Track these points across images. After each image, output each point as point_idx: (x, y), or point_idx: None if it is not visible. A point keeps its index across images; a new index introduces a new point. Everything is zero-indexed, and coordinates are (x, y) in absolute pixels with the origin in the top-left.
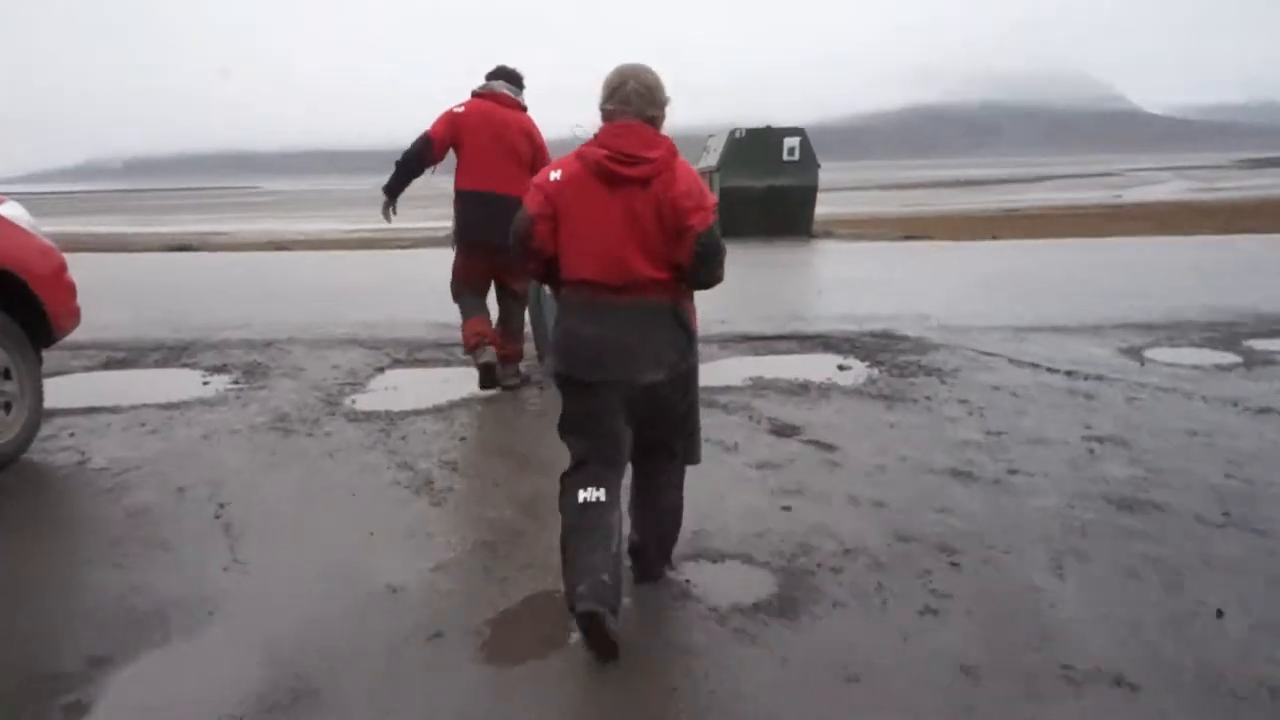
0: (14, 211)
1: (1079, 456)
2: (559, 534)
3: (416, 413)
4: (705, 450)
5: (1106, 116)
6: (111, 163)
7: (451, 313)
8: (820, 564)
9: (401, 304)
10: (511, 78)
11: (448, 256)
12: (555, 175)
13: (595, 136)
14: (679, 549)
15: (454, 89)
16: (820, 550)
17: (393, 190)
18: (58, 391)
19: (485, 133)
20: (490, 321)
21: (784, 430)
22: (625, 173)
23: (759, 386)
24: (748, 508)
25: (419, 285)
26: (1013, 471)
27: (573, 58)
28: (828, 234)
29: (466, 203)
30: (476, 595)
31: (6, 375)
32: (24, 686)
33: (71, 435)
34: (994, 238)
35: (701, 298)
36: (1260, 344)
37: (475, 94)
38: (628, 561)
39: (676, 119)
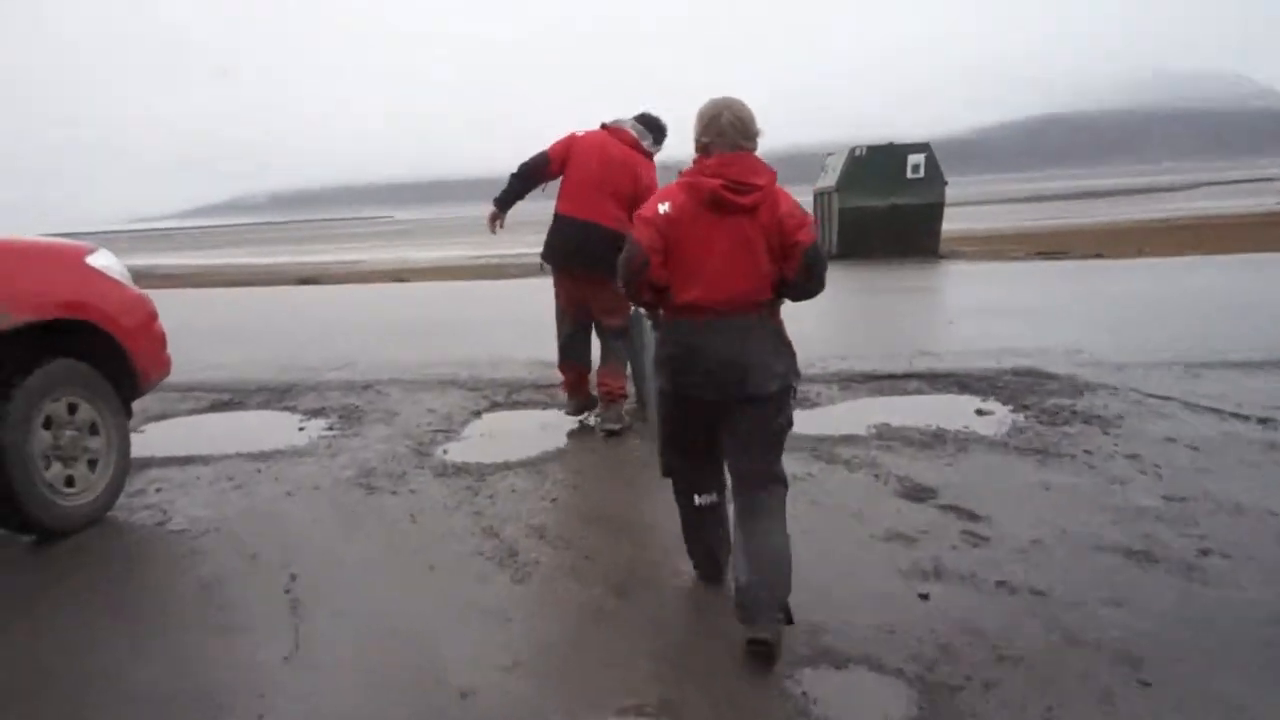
0: (105, 261)
1: None
2: (678, 536)
3: (508, 466)
4: (823, 518)
5: (1259, 116)
6: (255, 198)
7: (548, 351)
8: (969, 676)
9: (505, 339)
10: (649, 123)
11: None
12: (664, 208)
13: (699, 165)
14: (796, 649)
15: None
16: (968, 656)
17: (503, 202)
18: (160, 437)
19: (594, 161)
20: (580, 363)
21: (917, 493)
22: (739, 201)
23: (885, 436)
24: (876, 594)
25: (525, 317)
26: (1205, 552)
27: (684, 82)
28: (955, 254)
29: (557, 225)
30: (551, 703)
31: (93, 430)
32: None
33: (158, 490)
34: (1140, 252)
35: (821, 332)
36: None
37: (603, 125)
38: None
39: (797, 138)
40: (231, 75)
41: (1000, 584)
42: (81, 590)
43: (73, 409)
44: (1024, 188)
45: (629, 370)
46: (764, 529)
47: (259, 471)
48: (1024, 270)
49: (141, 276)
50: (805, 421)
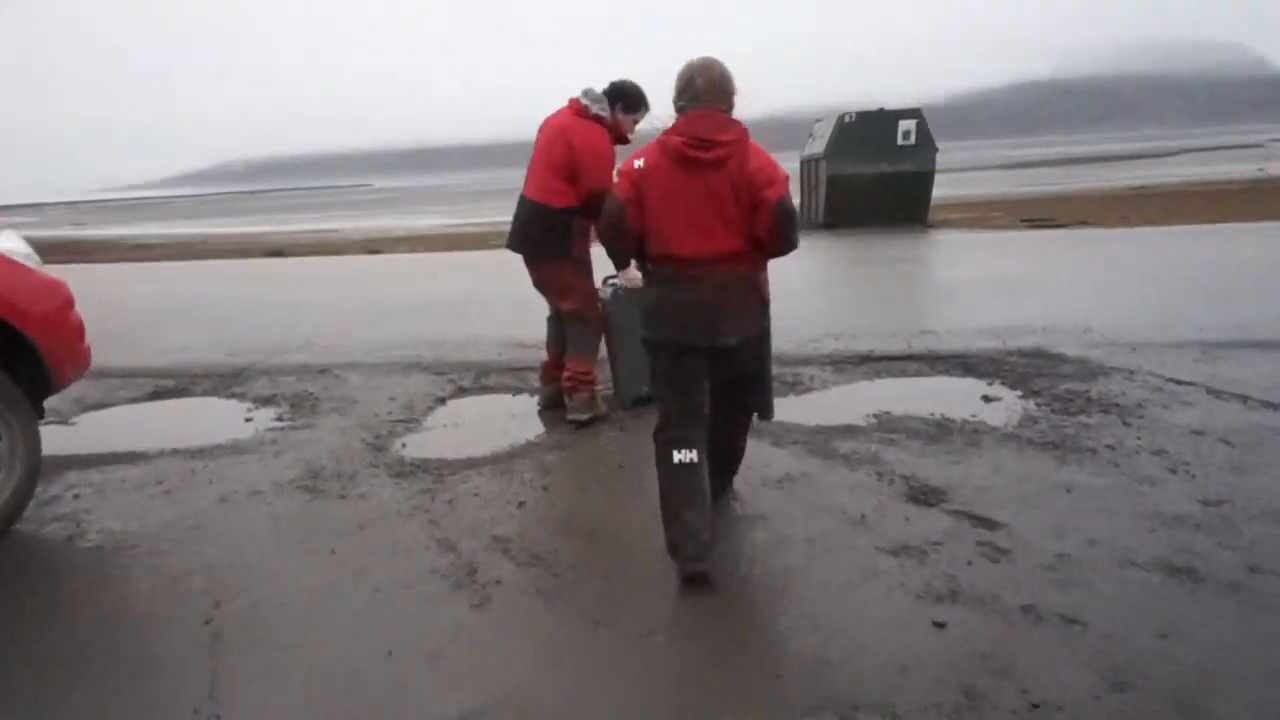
0: (9, 244)
1: None
2: (657, 491)
3: (471, 464)
4: (823, 526)
5: (1246, 83)
6: (234, 165)
7: (524, 330)
8: None
9: (477, 316)
10: (611, 89)
11: None
12: (639, 163)
13: (673, 126)
14: (796, 695)
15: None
16: (995, 702)
17: None
18: (90, 431)
19: (542, 138)
20: (553, 347)
21: (925, 495)
22: (702, 156)
23: (887, 428)
24: (886, 621)
25: (501, 292)
26: (1255, 569)
27: (675, 47)
28: (944, 222)
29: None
30: None
31: None
32: None
33: (75, 497)
34: (1124, 219)
35: (813, 308)
36: None
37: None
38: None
39: (776, 103)
40: (216, 42)
41: (1027, 609)
42: None
43: None
44: (1007, 154)
45: (601, 355)
46: (727, 432)
47: (193, 473)
48: (1015, 240)
49: (110, 247)
50: (799, 409)
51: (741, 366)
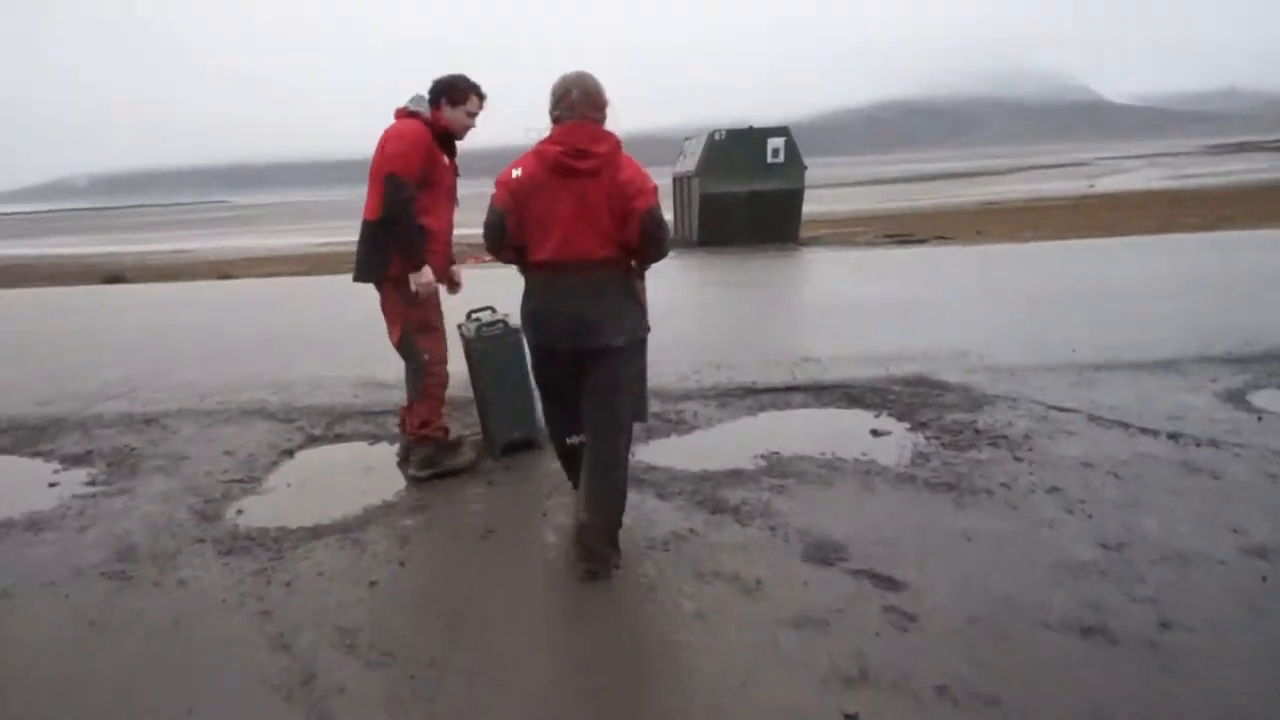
0: None
1: (1249, 587)
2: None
3: (316, 533)
4: (716, 596)
5: (1075, 108)
6: (76, 180)
7: (383, 368)
8: None
9: (332, 352)
10: (434, 87)
11: None
12: (517, 173)
13: (549, 136)
14: None
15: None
16: None
17: None
18: None
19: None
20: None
21: (824, 553)
22: (578, 165)
23: (777, 472)
24: (790, 713)
25: (359, 324)
26: (1166, 625)
27: (536, 63)
28: (813, 240)
29: None
30: None
31: None
32: None
33: None
34: (979, 233)
35: (692, 335)
36: None
37: None
38: None
39: (646, 119)
40: (37, 42)
41: (941, 690)
42: None
43: None
44: (865, 170)
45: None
46: (607, 474)
47: None
48: (883, 258)
49: None
50: (683, 451)
51: (617, 370)
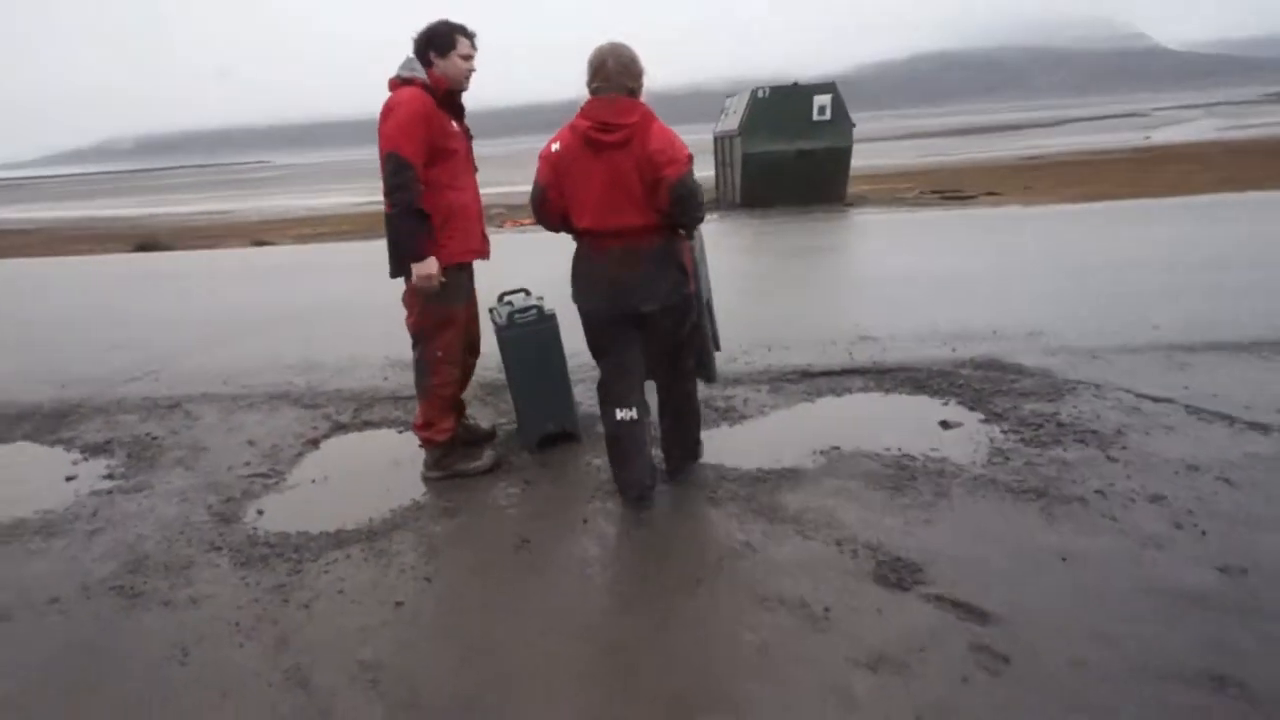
0: None
1: None
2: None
3: (340, 541)
4: (782, 626)
5: (1128, 56)
6: (122, 142)
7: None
8: None
9: (363, 329)
10: (419, 42)
11: None
12: (555, 146)
13: (582, 109)
14: None
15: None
16: None
17: None
18: None
19: None
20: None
21: (898, 574)
22: (605, 139)
23: (840, 472)
24: None
25: (393, 296)
26: None
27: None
28: (861, 199)
29: None
30: None
31: None
32: None
33: None
34: (1027, 188)
35: (741, 310)
36: None
37: None
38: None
39: (676, 78)
40: (93, 5)
41: None
42: None
43: None
44: (907, 124)
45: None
46: (680, 418)
47: None
48: (936, 220)
49: None
50: (734, 445)
51: (669, 332)
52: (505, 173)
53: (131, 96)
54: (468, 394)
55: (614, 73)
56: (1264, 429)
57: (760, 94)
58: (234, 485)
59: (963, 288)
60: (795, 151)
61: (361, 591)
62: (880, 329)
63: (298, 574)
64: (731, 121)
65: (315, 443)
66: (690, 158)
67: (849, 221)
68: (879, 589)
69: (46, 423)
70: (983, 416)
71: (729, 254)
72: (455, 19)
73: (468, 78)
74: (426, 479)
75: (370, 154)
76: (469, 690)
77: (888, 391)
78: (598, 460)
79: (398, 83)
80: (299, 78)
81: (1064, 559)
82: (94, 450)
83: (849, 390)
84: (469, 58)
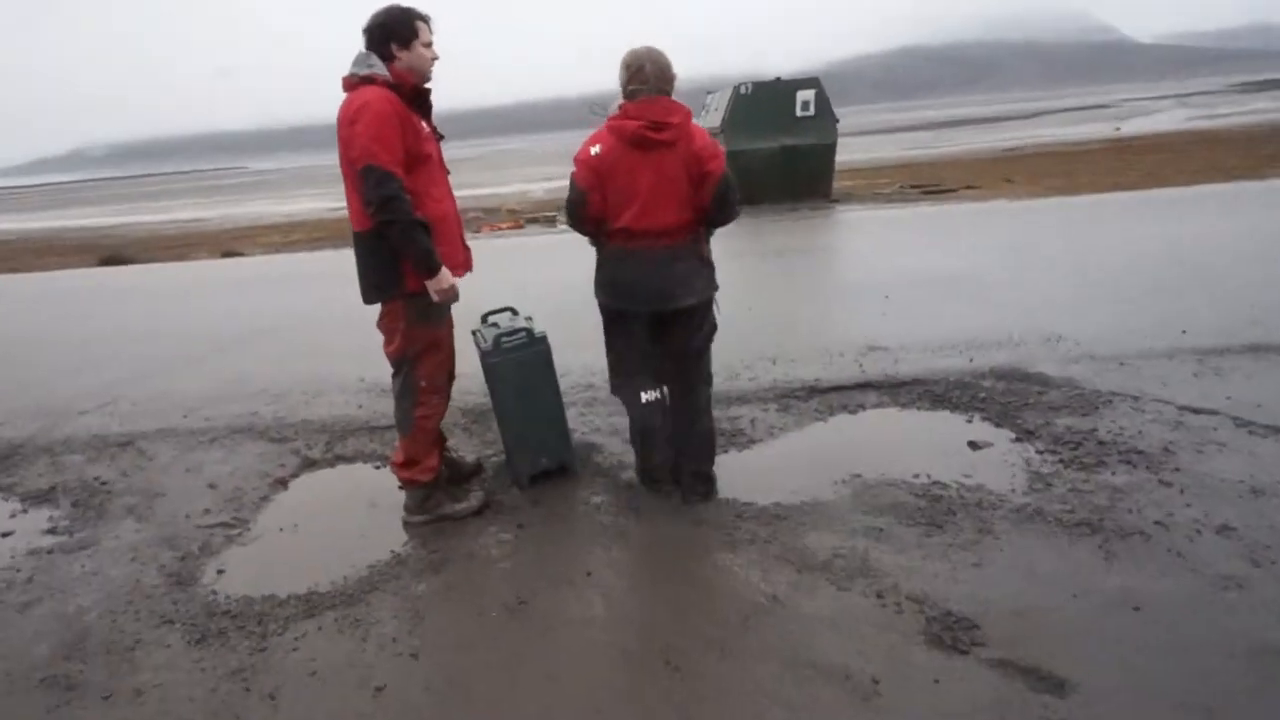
0: None
1: None
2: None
3: (311, 606)
4: (824, 701)
5: (1098, 48)
6: (95, 149)
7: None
8: None
9: (335, 346)
10: (374, 33)
11: None
12: (596, 150)
13: (623, 110)
14: None
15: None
16: None
17: None
18: None
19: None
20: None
21: (951, 632)
22: (657, 137)
23: (868, 505)
24: None
25: (362, 312)
26: None
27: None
28: (846, 195)
29: None
30: None
31: None
32: None
33: None
34: (1009, 181)
35: (740, 320)
36: None
37: None
38: None
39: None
40: (60, 10)
41: None
42: None
43: None
44: (882, 119)
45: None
46: (695, 423)
47: None
48: (927, 217)
49: None
50: (746, 475)
51: (695, 328)
52: (478, 175)
53: (101, 102)
54: (448, 421)
55: (652, 76)
56: None
57: (743, 90)
58: (191, 538)
59: (968, 289)
60: (779, 148)
61: (336, 672)
62: (889, 337)
63: (262, 652)
64: (713, 119)
65: (283, 483)
66: (725, 154)
67: (837, 219)
68: (932, 653)
69: None
70: (1013, 435)
71: (717, 258)
72: (405, 3)
73: (431, 66)
74: (408, 524)
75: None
76: None
77: (904, 407)
78: (598, 498)
79: (356, 81)
80: (274, 82)
81: (1136, 608)
82: (35, 499)
83: (863, 406)
84: (431, 45)
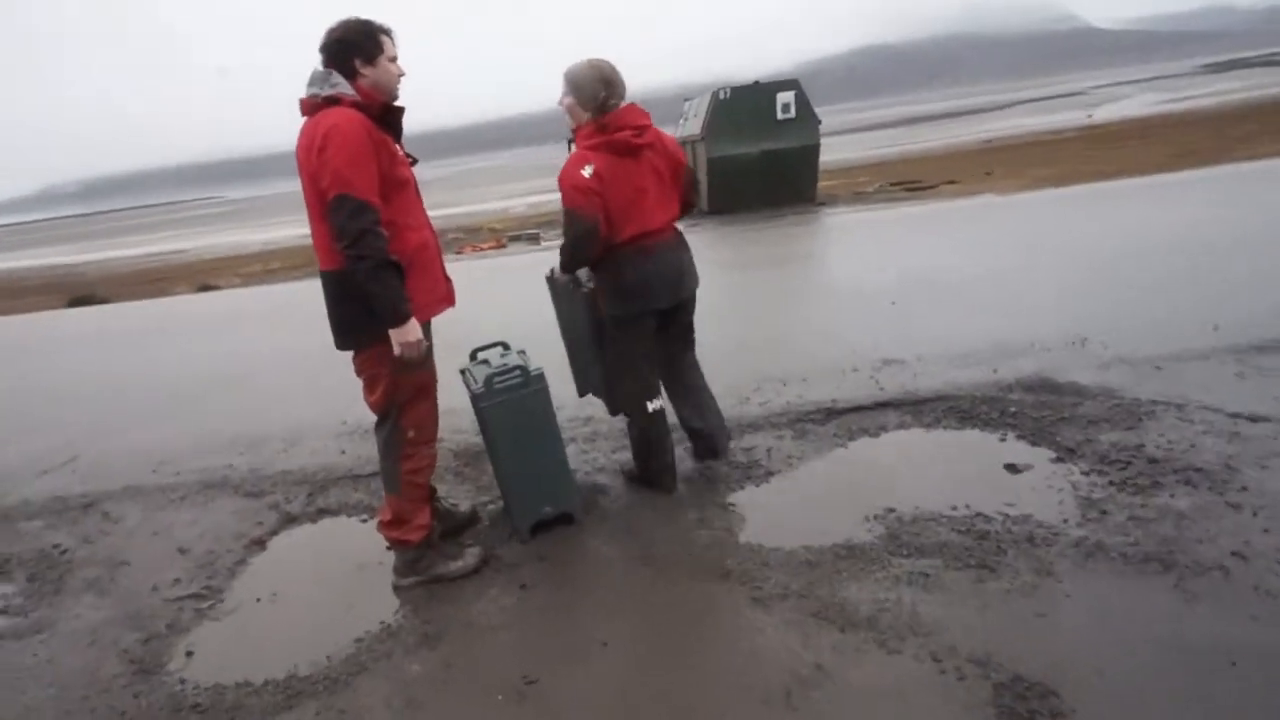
0: None
1: None
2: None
3: (290, 697)
4: None
5: (1061, 37)
6: (66, 186)
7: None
8: None
9: (316, 387)
10: (333, 50)
11: None
12: (588, 171)
13: (602, 123)
14: None
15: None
16: None
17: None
18: None
19: (300, 173)
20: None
21: (1026, 703)
22: (642, 141)
23: (908, 545)
24: None
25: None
26: None
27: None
28: (831, 198)
29: None
30: None
31: None
32: None
33: None
34: (989, 175)
35: (740, 336)
36: None
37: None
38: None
39: (633, 83)
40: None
41: None
42: None
43: None
44: (851, 119)
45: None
46: (703, 388)
47: None
48: (917, 217)
49: None
50: (767, 513)
51: (690, 311)
52: (452, 194)
53: (73, 140)
54: (438, 464)
55: (620, 86)
56: None
57: (722, 95)
58: (158, 614)
59: (976, 291)
60: (761, 152)
61: None
62: (903, 349)
63: None
64: (693, 125)
65: (260, 543)
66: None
67: (825, 223)
68: None
69: None
70: (1052, 454)
71: (709, 268)
72: (362, 15)
73: (398, 83)
74: (399, 588)
75: None
76: None
77: (930, 427)
78: (608, 548)
79: (319, 103)
80: (250, 112)
81: (1233, 663)
82: None
83: (884, 428)
84: (396, 60)
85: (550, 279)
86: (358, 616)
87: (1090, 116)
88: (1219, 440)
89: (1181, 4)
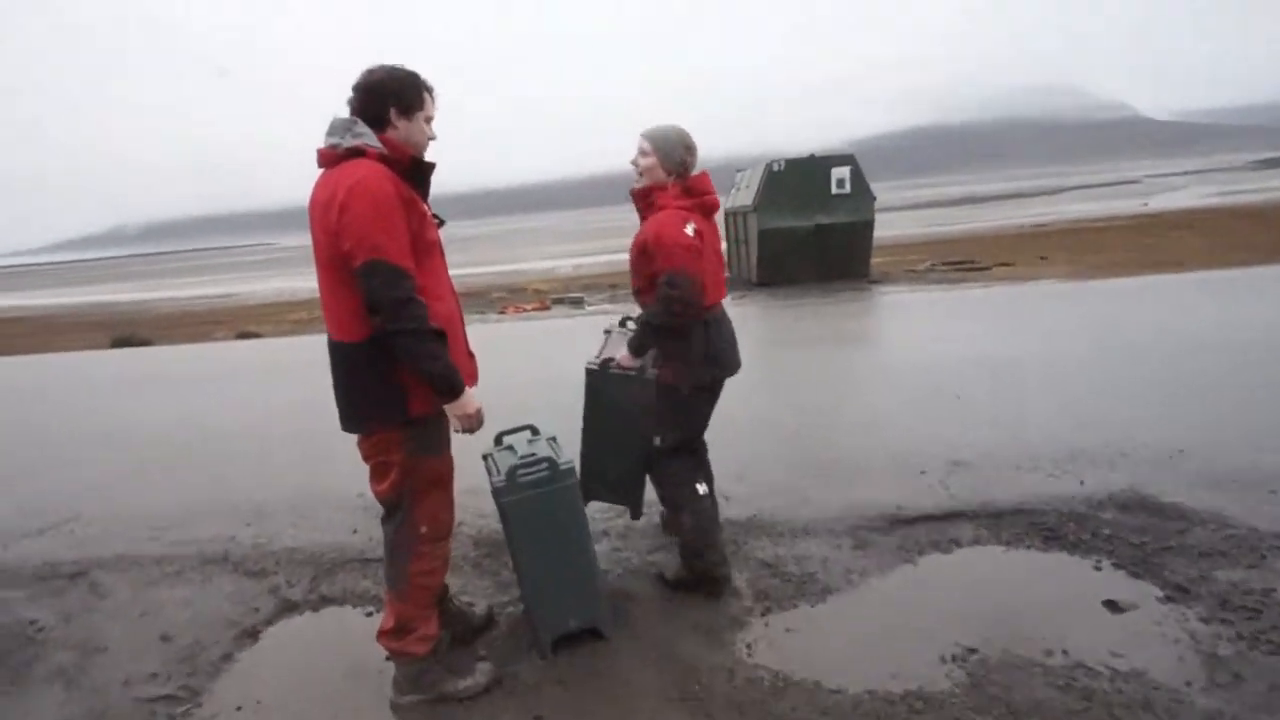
0: None
1: None
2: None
3: None
4: None
5: (1112, 125)
6: (131, 228)
7: None
8: None
9: (330, 453)
10: (367, 97)
11: None
12: (690, 230)
13: (690, 185)
14: None
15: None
16: None
17: None
18: None
19: (313, 229)
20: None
21: None
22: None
23: (992, 700)
24: None
25: None
26: None
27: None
28: (884, 276)
29: None
30: None
31: None
32: None
33: None
34: (1042, 259)
35: (789, 428)
36: None
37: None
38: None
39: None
40: (105, 90)
41: None
42: None
43: None
44: (902, 196)
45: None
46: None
47: None
48: (976, 299)
49: None
50: (825, 643)
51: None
52: (496, 251)
53: (145, 180)
54: (455, 553)
55: (697, 151)
56: None
57: (775, 167)
58: (125, 718)
59: (1047, 386)
60: (814, 226)
61: None
62: (972, 448)
63: None
64: (745, 196)
65: (253, 634)
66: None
67: (880, 301)
68: None
69: None
70: (1160, 591)
71: (757, 344)
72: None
73: (427, 146)
74: (396, 706)
75: None
76: None
77: (1009, 546)
78: (640, 675)
79: (342, 154)
80: (302, 159)
81: None
82: None
83: (957, 543)
84: (431, 121)
85: (598, 370)
86: None
87: (1145, 205)
88: None
89: (1229, 99)
